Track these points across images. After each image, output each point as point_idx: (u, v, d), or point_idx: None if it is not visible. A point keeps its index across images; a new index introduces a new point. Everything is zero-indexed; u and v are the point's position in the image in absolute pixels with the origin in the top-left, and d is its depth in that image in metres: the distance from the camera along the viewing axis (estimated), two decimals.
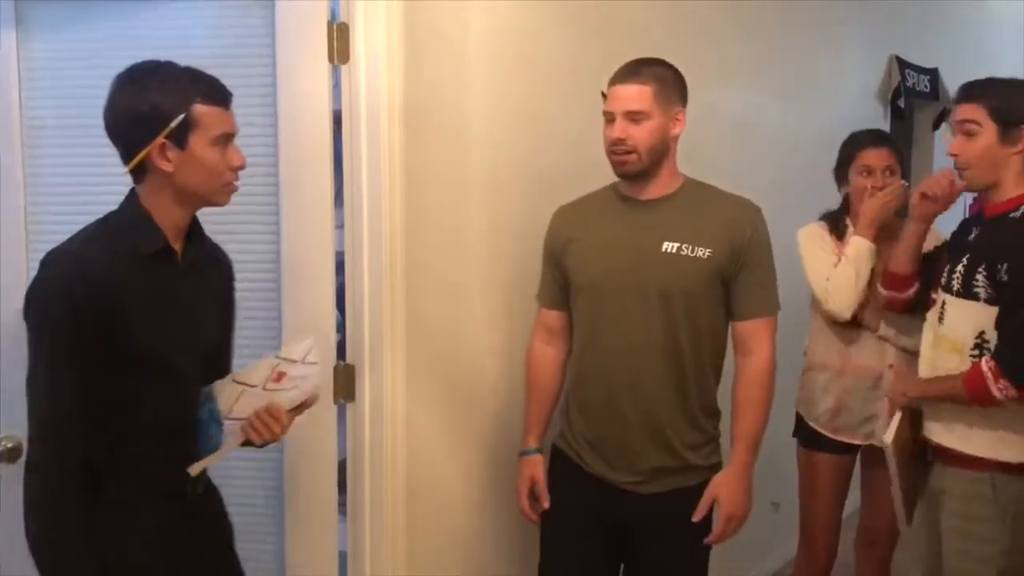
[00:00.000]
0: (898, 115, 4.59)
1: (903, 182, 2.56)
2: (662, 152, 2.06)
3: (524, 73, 2.40)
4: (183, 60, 2.07)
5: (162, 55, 1.94)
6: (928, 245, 2.39)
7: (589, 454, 2.12)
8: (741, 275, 2.07)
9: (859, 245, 2.48)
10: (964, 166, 2.12)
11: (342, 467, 2.16)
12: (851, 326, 2.54)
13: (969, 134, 2.09)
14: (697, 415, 2.11)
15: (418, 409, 2.17)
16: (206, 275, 1.74)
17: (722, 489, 2.06)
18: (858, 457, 2.70)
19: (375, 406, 2.10)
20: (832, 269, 2.50)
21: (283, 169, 2.04)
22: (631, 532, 2.12)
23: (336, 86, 2.06)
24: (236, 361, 2.10)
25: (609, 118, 2.05)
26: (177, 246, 1.66)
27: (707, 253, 2.03)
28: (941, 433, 2.17)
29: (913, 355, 2.41)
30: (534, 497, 2.16)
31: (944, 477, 2.17)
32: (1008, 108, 2.06)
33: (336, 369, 2.11)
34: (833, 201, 4.14)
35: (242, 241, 2.09)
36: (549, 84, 2.47)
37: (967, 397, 2.05)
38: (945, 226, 2.42)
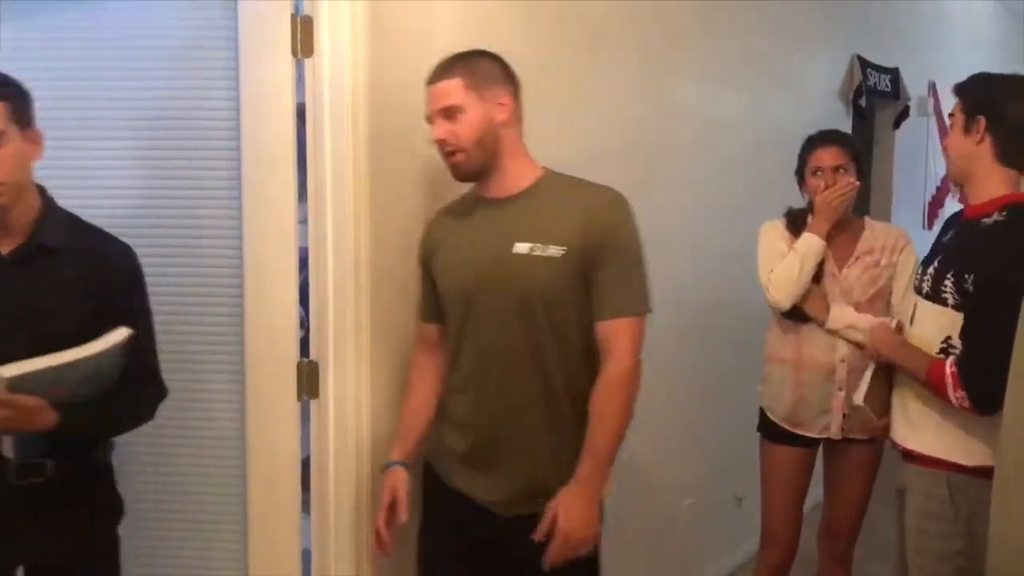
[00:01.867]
0: (860, 114, 4.64)
1: (851, 180, 2.59)
2: (493, 143, 1.92)
3: None
4: (146, 52, 2.05)
5: (125, 46, 1.92)
6: None
7: (457, 470, 1.99)
8: (600, 271, 1.88)
9: (808, 240, 2.53)
10: (946, 157, 2.19)
11: (306, 465, 2.14)
12: (802, 320, 2.58)
13: (949, 127, 2.16)
14: (568, 429, 1.91)
15: (383, 406, 2.16)
16: (54, 268, 1.76)
17: (561, 507, 1.83)
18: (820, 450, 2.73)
19: (339, 403, 2.09)
20: (778, 261, 2.54)
21: (246, 164, 2.02)
22: (499, 554, 1.96)
23: (300, 80, 2.04)
24: (199, 358, 2.09)
25: (429, 121, 1.95)
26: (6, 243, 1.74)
27: (561, 252, 1.86)
28: (904, 433, 2.20)
29: (862, 348, 2.46)
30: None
31: (906, 473, 2.20)
32: (971, 100, 2.09)
33: (299, 366, 2.09)
34: (798, 196, 4.18)
35: (204, 236, 2.07)
36: None
37: (927, 387, 2.08)
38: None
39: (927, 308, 2.12)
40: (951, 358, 2.04)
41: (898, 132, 5.11)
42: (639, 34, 2.95)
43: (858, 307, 2.55)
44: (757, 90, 3.75)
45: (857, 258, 2.59)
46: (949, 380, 2.00)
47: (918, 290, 2.16)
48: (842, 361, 2.54)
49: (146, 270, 1.88)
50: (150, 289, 1.89)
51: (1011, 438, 2.00)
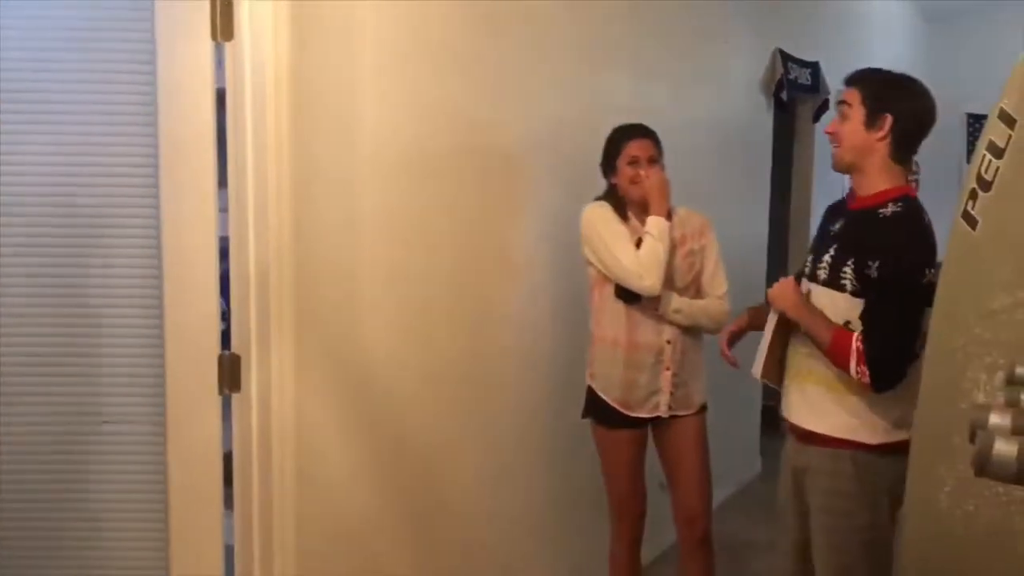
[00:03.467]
0: (781, 106, 4.73)
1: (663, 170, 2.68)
2: None
3: (415, 56, 2.36)
4: (57, 34, 1.97)
5: (35, 27, 1.84)
6: None
7: None
8: None
9: (659, 223, 2.59)
10: (835, 143, 2.23)
11: (228, 459, 2.09)
12: (636, 302, 2.64)
13: (843, 115, 2.20)
14: None
15: (309, 400, 2.12)
16: None
17: None
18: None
19: (262, 397, 2.04)
20: (625, 243, 2.58)
21: (163, 150, 1.96)
22: None
23: (220, 64, 1.99)
24: (116, 351, 2.02)
25: None
26: None
27: None
28: (806, 417, 2.27)
29: (686, 330, 2.64)
30: None
31: (806, 455, 2.27)
32: (875, 95, 2.17)
33: (220, 358, 2.04)
34: (721, 186, 4.24)
35: (118, 225, 2.00)
36: (439, 68, 2.44)
37: (827, 353, 2.15)
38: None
39: (824, 294, 2.20)
40: (856, 333, 2.11)
41: (818, 125, 5.23)
42: (563, 24, 2.96)
43: (677, 292, 2.66)
44: (683, 82, 3.80)
45: (676, 245, 2.68)
46: (854, 354, 2.09)
47: (811, 277, 2.25)
48: (668, 342, 2.65)
49: (59, 260, 1.81)
50: (62, 280, 1.82)
51: (926, 417, 2.10)
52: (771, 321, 2.33)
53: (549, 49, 2.90)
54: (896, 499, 2.16)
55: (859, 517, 2.20)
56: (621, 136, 2.70)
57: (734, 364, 2.51)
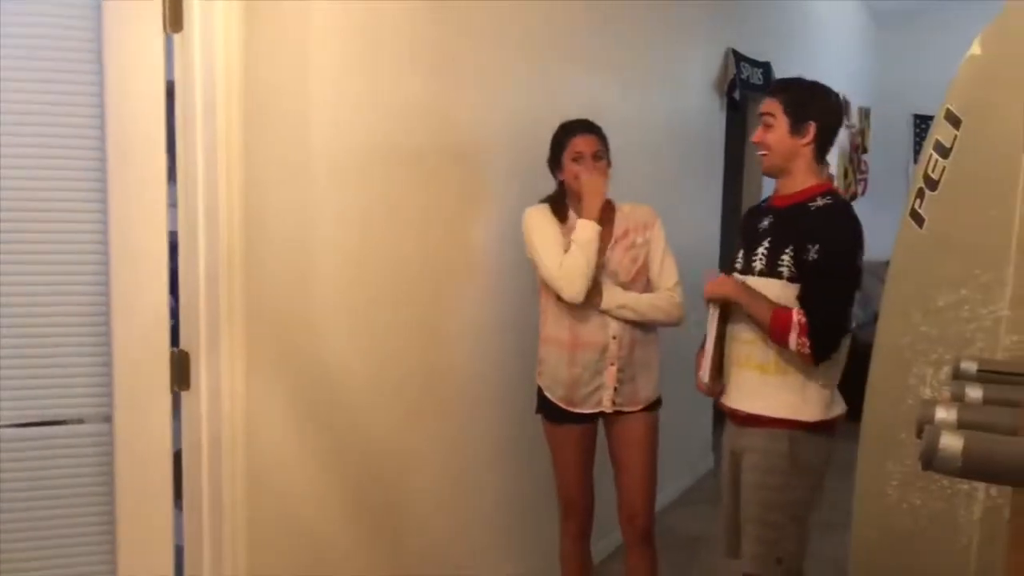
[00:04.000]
0: (733, 106, 4.78)
1: (608, 166, 2.70)
2: None
3: (368, 51, 2.34)
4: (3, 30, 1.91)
5: None
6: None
7: None
8: None
9: (585, 227, 2.60)
10: (763, 151, 2.43)
11: (178, 458, 2.06)
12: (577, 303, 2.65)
13: (767, 125, 2.41)
14: None
15: (260, 398, 2.10)
16: None
17: None
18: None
19: (212, 394, 2.01)
20: (557, 248, 2.61)
21: (111, 144, 1.91)
22: None
23: (169, 56, 1.95)
24: (67, 349, 1.98)
25: None
26: None
27: None
28: (743, 400, 2.43)
29: (637, 326, 2.67)
30: None
31: (744, 436, 2.44)
32: (797, 105, 2.38)
33: (170, 356, 2.00)
34: (674, 183, 4.28)
35: (64, 220, 1.96)
36: (393, 63, 2.42)
37: (768, 329, 2.33)
38: None
39: (759, 283, 2.39)
40: (796, 308, 2.27)
41: None
42: (517, 22, 2.95)
43: (622, 286, 2.67)
44: (639, 81, 3.82)
45: (617, 240, 2.70)
46: (796, 327, 2.28)
47: (744, 270, 2.45)
48: (614, 338, 2.66)
49: (5, 257, 1.76)
50: (8, 279, 1.77)
51: (874, 414, 2.16)
52: (712, 327, 2.49)
53: (507, 47, 2.90)
54: (821, 477, 2.42)
55: (790, 492, 2.37)
56: (566, 132, 2.71)
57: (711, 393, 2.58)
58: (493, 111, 2.85)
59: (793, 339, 2.28)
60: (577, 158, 2.66)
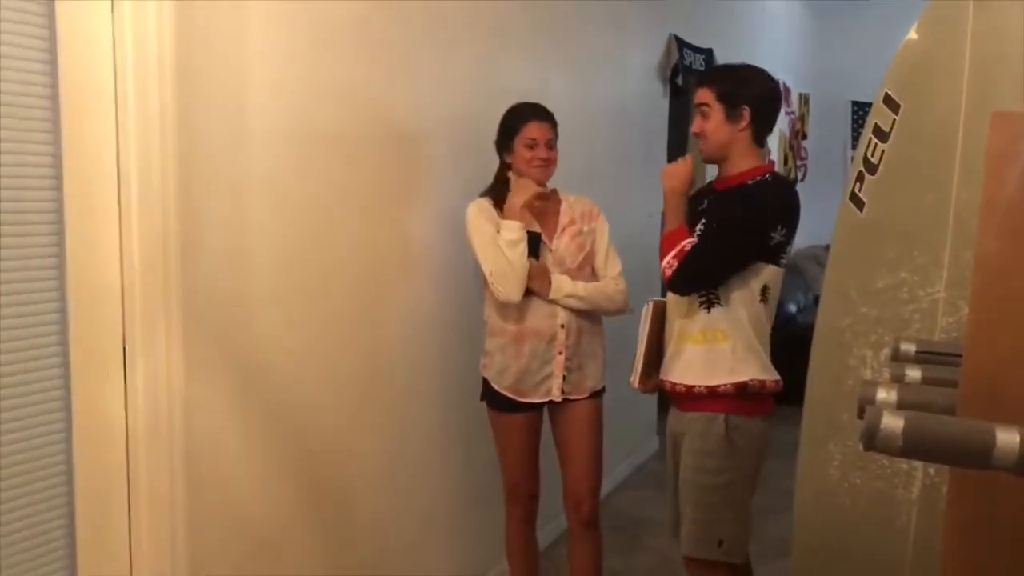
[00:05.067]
0: (676, 92, 4.81)
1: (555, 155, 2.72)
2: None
3: (308, 36, 2.29)
4: None
5: None
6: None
7: None
8: None
9: (507, 228, 2.60)
10: (702, 140, 2.45)
11: None
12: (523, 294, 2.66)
13: (704, 114, 2.42)
14: None
15: (199, 393, 2.04)
16: None
17: None
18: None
19: (149, 390, 1.94)
20: (491, 246, 2.60)
21: (65, 139, 1.79)
22: None
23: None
24: (15, 344, 1.89)
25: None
26: None
27: None
28: (682, 373, 2.46)
29: (583, 314, 2.68)
30: None
31: (684, 421, 2.48)
32: (730, 92, 2.39)
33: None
34: (617, 170, 4.28)
35: (17, 211, 1.85)
36: (334, 49, 2.38)
37: (663, 239, 2.44)
38: None
39: None
40: (689, 239, 2.39)
41: None
42: (456, 4, 2.92)
43: (569, 274, 2.68)
44: (580, 68, 3.81)
45: (563, 229, 2.72)
46: (677, 250, 2.38)
47: None
48: (562, 327, 2.67)
49: None
50: None
51: (815, 396, 2.20)
52: (644, 327, 2.55)
53: (448, 33, 2.86)
54: (760, 459, 2.46)
55: (725, 475, 2.40)
56: (520, 116, 2.69)
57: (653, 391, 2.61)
58: (434, 97, 2.81)
59: (668, 258, 2.38)
60: (531, 144, 2.65)
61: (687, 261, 2.35)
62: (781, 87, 2.51)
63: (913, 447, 1.03)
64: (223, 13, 2.04)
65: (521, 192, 2.63)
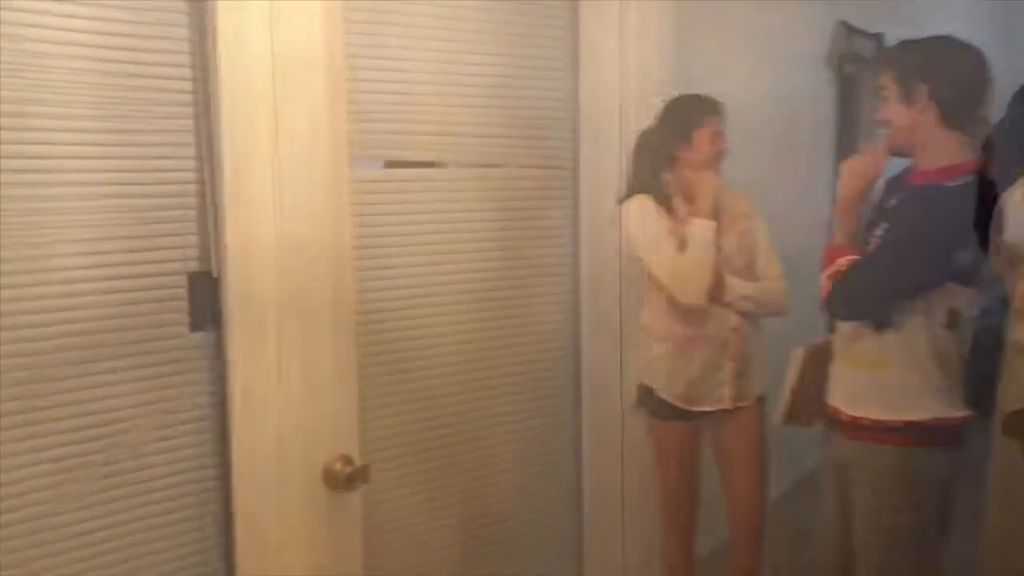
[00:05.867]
0: (845, 82, 4.57)
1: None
2: None
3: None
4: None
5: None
6: None
7: None
8: None
9: (703, 228, 2.47)
10: (886, 129, 2.14)
11: None
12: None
13: (884, 99, 2.12)
14: None
15: None
16: None
17: None
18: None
19: None
20: (660, 247, 2.48)
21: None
22: None
23: None
24: None
25: None
26: None
27: None
28: (849, 402, 2.16)
29: (747, 317, 2.54)
30: None
31: (850, 449, 2.17)
32: (904, 69, 2.08)
33: None
34: (778, 166, 4.09)
35: None
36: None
37: (826, 250, 2.13)
38: None
39: None
40: (849, 256, 2.07)
41: None
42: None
43: (737, 275, 2.55)
44: (733, 56, 3.64)
45: (728, 228, 2.57)
46: (832, 268, 2.06)
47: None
48: (733, 331, 2.54)
49: None
50: None
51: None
52: (796, 361, 2.28)
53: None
54: (946, 498, 2.08)
55: (908, 514, 2.08)
56: (702, 107, 2.58)
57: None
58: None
59: (825, 275, 2.09)
60: (716, 137, 2.55)
61: (844, 283, 2.07)
62: (984, 59, 2.10)
63: None
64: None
65: (707, 188, 2.51)
